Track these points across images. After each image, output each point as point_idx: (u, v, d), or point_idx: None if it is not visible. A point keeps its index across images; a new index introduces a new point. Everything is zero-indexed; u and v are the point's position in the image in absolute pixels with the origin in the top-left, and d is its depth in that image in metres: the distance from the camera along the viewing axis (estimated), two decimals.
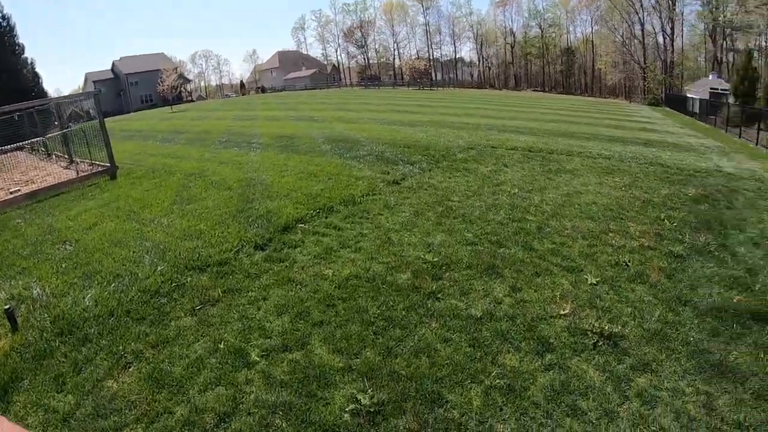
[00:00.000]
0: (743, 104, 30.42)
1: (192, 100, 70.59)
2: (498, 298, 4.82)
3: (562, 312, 4.66)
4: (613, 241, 6.61)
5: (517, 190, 8.61)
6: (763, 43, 59.46)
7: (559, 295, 5.02)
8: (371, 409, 3.34)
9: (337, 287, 4.77)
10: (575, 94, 79.61)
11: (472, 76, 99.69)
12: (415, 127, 17.43)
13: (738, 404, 3.59)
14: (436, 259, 5.46)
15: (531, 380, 3.69)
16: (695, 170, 12.24)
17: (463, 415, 3.34)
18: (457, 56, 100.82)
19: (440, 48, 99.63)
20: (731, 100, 33.38)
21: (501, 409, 3.41)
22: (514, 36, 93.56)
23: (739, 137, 25.32)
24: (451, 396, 3.50)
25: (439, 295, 4.74)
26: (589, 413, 3.43)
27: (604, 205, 8.21)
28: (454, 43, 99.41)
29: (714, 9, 65.22)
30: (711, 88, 43.44)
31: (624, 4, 73.67)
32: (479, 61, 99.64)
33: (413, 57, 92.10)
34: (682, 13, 71.88)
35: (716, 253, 6.62)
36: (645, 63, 71.65)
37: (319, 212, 6.75)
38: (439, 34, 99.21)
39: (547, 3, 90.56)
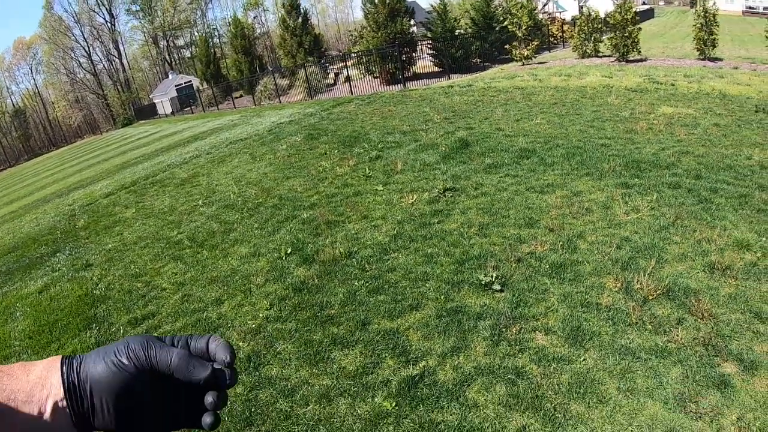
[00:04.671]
0: (216, 83, 34.88)
1: None
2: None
3: (410, 202, 6.01)
4: (339, 173, 8.24)
5: (206, 210, 8.81)
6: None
7: (385, 215, 6.27)
8: None
9: None
10: (42, 153, 73.50)
11: None
12: None
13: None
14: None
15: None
16: (269, 129, 15.06)
17: None
18: None
19: None
20: (203, 85, 37.45)
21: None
22: None
23: (235, 107, 29.67)
24: None
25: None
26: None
27: (276, 168, 9.60)
28: None
29: (151, 19, 71.68)
30: (176, 86, 47.19)
31: (63, 42, 71.43)
32: None
33: None
34: (120, 33, 74.92)
35: (382, 146, 9.55)
36: (103, 91, 72.16)
37: None
38: None
39: None
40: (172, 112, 43.76)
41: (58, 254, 8.85)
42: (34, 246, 10.12)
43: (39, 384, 0.54)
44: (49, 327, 5.94)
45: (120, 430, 0.56)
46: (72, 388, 0.54)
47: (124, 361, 0.56)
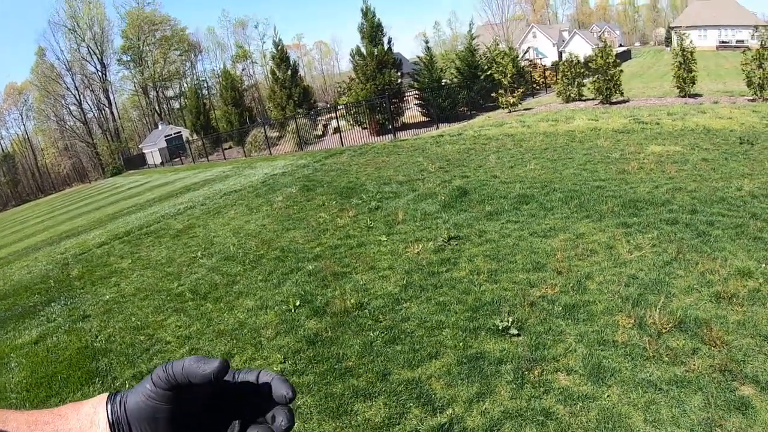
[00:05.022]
0: (206, 135, 35.22)
1: None
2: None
3: (416, 252, 6.05)
4: (340, 224, 8.41)
5: (203, 259, 8.82)
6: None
7: (392, 265, 6.37)
8: None
9: None
10: (30, 200, 72.64)
11: None
12: None
13: None
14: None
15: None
16: (263, 181, 15.14)
17: None
18: None
19: None
20: (193, 136, 37.72)
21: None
22: None
23: (225, 158, 29.81)
24: None
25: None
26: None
27: (275, 220, 9.77)
28: None
29: (141, 69, 73.56)
30: (166, 136, 47.52)
31: (54, 89, 71.86)
32: None
33: None
34: (111, 83, 75.80)
35: (380, 197, 9.81)
36: (92, 139, 72.26)
37: None
38: None
39: None
40: (162, 162, 44.03)
41: (52, 304, 8.67)
42: (26, 294, 9.91)
43: (88, 422, 0.57)
44: (48, 380, 5.76)
45: None
46: (116, 423, 0.57)
47: (148, 386, 0.57)
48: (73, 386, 5.28)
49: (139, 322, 6.54)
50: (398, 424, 3.34)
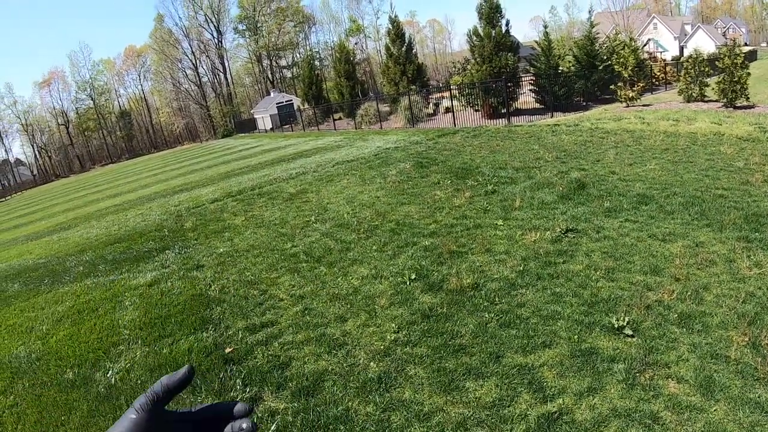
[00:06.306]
0: (317, 105, 36.18)
1: None
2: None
3: (532, 240, 5.82)
4: (456, 204, 8.46)
5: (336, 212, 9.18)
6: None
7: (509, 250, 6.27)
8: None
9: None
10: (142, 154, 79.19)
11: (33, 173, 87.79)
12: (71, 229, 14.36)
13: None
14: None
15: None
16: (375, 154, 15.08)
17: None
18: (11, 158, 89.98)
19: None
20: (305, 105, 38.78)
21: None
22: (66, 115, 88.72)
23: (335, 129, 30.46)
24: None
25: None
26: None
27: (389, 193, 9.97)
28: (3, 142, 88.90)
29: (256, 39, 78.49)
30: (277, 103, 49.31)
31: (171, 53, 77.82)
32: (35, 154, 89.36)
33: None
34: (226, 49, 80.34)
35: (496, 181, 9.58)
36: (206, 102, 76.96)
37: None
38: None
39: (92, 71, 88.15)
40: (272, 128, 46.06)
41: (166, 251, 9.31)
42: (141, 240, 10.69)
43: None
44: (161, 321, 6.16)
45: None
46: None
47: (132, 415, 0.60)
48: (186, 330, 5.66)
49: (252, 277, 6.94)
50: (508, 406, 3.43)
